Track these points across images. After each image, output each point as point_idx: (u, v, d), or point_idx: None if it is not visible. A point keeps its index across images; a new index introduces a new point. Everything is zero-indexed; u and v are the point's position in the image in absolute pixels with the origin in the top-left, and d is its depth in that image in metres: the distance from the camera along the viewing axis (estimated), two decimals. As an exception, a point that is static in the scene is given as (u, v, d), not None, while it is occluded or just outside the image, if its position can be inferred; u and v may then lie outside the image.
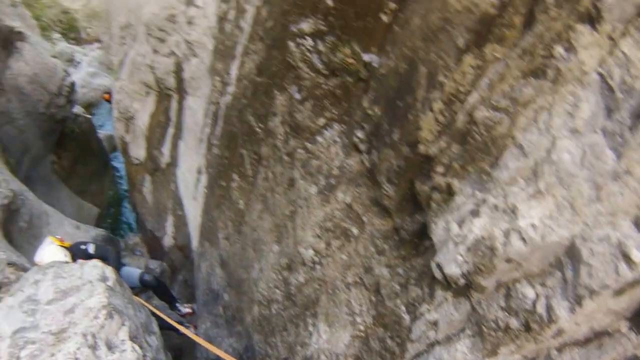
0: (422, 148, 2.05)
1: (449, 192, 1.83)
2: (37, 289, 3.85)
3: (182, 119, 6.21)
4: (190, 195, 6.13)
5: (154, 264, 9.21)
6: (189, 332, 4.51)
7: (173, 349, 4.34)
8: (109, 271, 4.09)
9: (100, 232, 9.13)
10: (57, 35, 19.36)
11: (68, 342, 3.12)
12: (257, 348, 3.75)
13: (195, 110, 5.62)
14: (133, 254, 9.88)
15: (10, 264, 5.02)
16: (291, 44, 3.15)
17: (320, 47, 2.92)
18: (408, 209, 2.34)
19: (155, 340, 4.06)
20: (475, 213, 1.64)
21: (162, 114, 7.05)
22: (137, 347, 3.33)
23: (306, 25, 3.03)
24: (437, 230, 1.83)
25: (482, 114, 1.70)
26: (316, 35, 2.96)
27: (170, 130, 6.76)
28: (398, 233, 2.40)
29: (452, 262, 1.69)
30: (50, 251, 4.85)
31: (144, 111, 7.50)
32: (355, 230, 2.62)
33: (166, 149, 7.02)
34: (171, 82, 6.28)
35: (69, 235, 7.80)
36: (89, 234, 8.56)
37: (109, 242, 9.33)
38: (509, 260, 1.51)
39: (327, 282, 2.74)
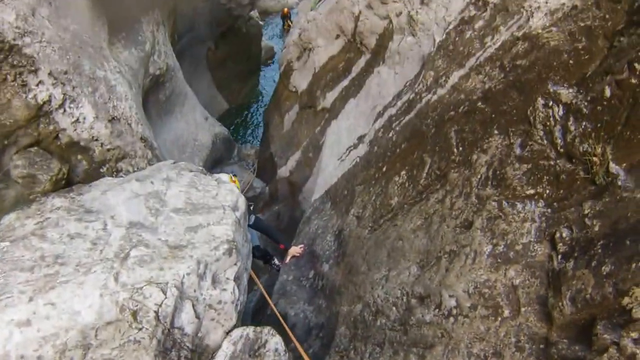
0: (627, 302, 2.26)
1: (633, 364, 2.05)
2: (167, 188, 4.03)
3: (364, 80, 6.64)
4: (337, 152, 6.64)
5: (259, 184, 10.08)
6: (261, 287, 5.16)
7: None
8: (242, 201, 4.33)
9: (223, 130, 10.17)
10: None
11: (181, 263, 3.35)
12: (337, 339, 4.24)
13: (385, 81, 5.99)
14: (243, 164, 10.76)
15: (143, 139, 5.33)
16: (540, 100, 3.37)
17: (571, 125, 3.10)
18: (573, 334, 2.58)
19: (245, 279, 4.32)
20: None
21: (343, 62, 7.54)
22: (236, 290, 3.61)
23: (566, 94, 3.22)
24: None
25: None
26: (572, 111, 3.11)
27: (344, 83, 7.22)
28: (547, 346, 2.63)
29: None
30: None
31: (325, 50, 8.05)
32: (507, 313, 2.91)
33: (331, 96, 7.53)
34: (371, 42, 6.68)
35: (196, 123, 8.87)
36: (213, 129, 9.53)
37: (228, 143, 10.28)
38: None
39: (452, 339, 3.07)
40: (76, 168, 4.43)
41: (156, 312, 3.02)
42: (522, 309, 2.86)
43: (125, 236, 3.50)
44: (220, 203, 4.03)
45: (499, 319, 2.94)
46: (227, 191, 4.23)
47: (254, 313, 6.81)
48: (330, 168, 6.72)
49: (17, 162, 4.07)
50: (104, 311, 2.95)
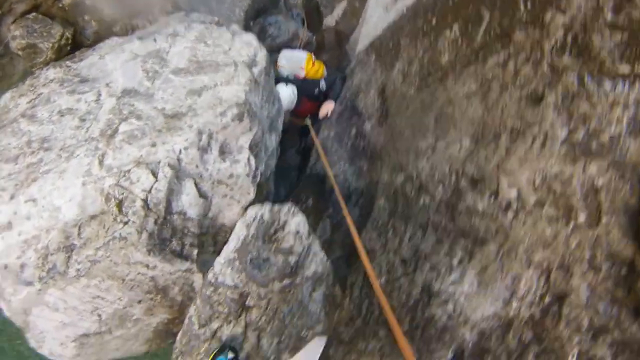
0: None
1: None
2: (171, 45, 3.06)
3: None
4: (382, 2, 5.15)
5: (306, 34, 8.79)
6: (318, 144, 4.45)
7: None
8: (262, 55, 3.29)
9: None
10: None
11: (177, 135, 2.54)
12: (376, 211, 3.46)
13: None
14: (289, 13, 9.31)
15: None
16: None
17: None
18: None
19: (274, 140, 3.56)
20: None
21: None
22: (252, 160, 2.83)
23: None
24: None
25: None
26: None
27: None
28: (631, 273, 1.79)
29: None
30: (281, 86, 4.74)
31: None
32: (582, 219, 1.95)
33: None
34: None
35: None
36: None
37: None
38: None
39: (507, 239, 2.18)
40: (85, 30, 3.52)
41: (144, 200, 2.28)
42: (603, 218, 1.88)
43: (115, 108, 2.64)
44: (232, 59, 2.98)
45: (572, 224, 1.98)
46: (242, 44, 3.13)
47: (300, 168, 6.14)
48: (375, 19, 5.37)
49: (15, 32, 3.25)
50: (87, 203, 2.25)
